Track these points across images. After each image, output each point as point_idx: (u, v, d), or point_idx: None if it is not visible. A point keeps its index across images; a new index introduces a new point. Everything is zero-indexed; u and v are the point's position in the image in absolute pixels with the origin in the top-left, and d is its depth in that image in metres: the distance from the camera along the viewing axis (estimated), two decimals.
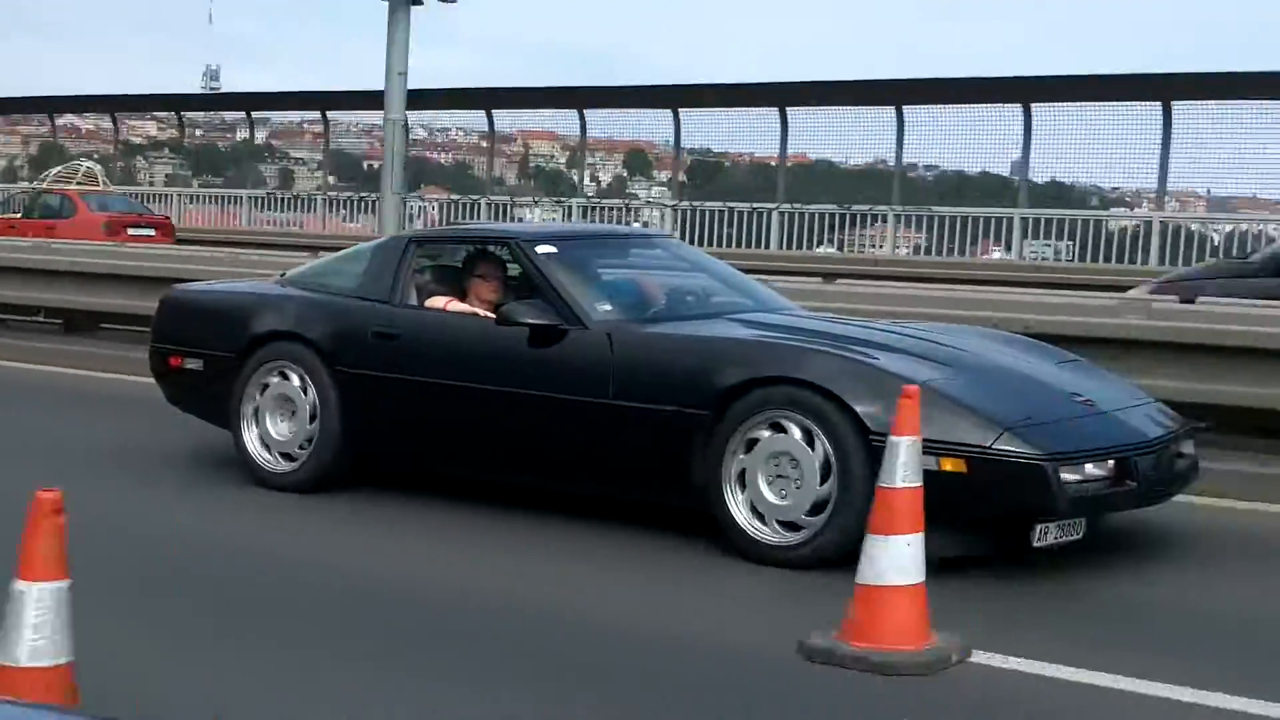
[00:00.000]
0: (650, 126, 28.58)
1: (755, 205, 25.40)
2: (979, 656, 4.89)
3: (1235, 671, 4.81)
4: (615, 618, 5.40)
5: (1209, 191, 24.34)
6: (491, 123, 29.21)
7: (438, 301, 7.35)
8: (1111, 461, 5.98)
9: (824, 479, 5.92)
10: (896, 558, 4.84)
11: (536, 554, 6.27)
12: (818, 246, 25.03)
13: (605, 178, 31.08)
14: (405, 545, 6.44)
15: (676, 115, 26.84)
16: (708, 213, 25.54)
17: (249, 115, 32.79)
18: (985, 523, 5.94)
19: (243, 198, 31.16)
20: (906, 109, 24.53)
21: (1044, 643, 5.05)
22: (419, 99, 29.61)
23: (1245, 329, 7.90)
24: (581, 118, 28.09)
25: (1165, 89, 22.01)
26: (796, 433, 5.99)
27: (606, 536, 6.53)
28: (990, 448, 5.72)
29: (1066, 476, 5.76)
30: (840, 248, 25.21)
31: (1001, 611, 5.51)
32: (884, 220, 25.39)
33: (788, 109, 25.52)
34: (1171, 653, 5.03)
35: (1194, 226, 22.79)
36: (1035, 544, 5.85)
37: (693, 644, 5.06)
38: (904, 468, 4.90)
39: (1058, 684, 4.72)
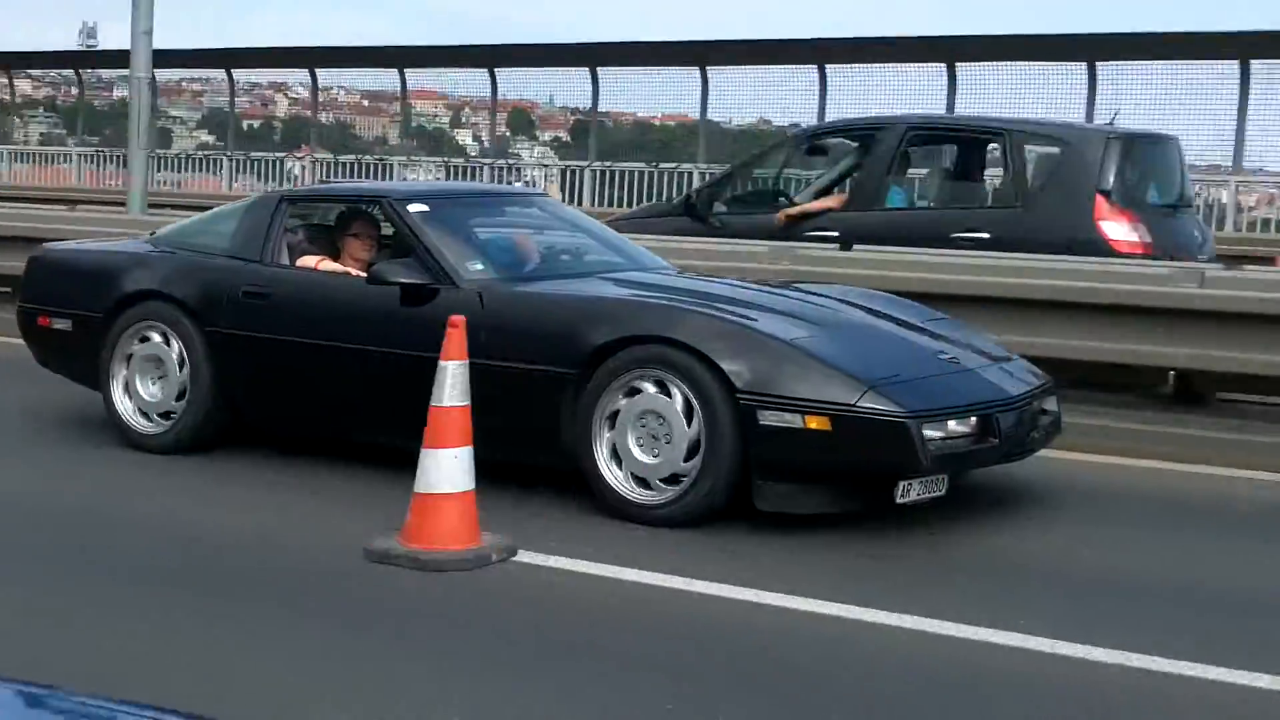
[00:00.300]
0: (466, 83, 28.37)
1: (569, 163, 25.54)
2: (526, 556, 5.59)
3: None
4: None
5: None
6: (315, 81, 28.84)
7: (309, 260, 7.31)
8: (974, 418, 6.09)
9: (692, 438, 5.97)
10: (446, 469, 5.52)
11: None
12: None
13: (487, 137, 30.86)
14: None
15: (493, 74, 26.69)
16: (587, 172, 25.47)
17: (78, 74, 32.00)
18: (850, 479, 6.03)
19: (73, 155, 30.56)
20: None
21: (605, 548, 5.69)
22: (280, 56, 29.23)
23: (1089, 285, 8.11)
24: (402, 76, 27.84)
25: (951, 51, 22.26)
26: (665, 391, 6.04)
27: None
28: (854, 405, 5.80)
29: (929, 434, 5.86)
30: None
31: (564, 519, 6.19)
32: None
33: (598, 69, 25.49)
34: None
35: None
36: (899, 500, 5.94)
37: (282, 551, 5.73)
38: (451, 389, 5.59)
39: (601, 580, 5.39)
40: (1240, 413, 8.20)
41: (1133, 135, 10.46)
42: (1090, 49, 20.67)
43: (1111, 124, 11.21)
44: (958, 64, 21.70)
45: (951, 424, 6.01)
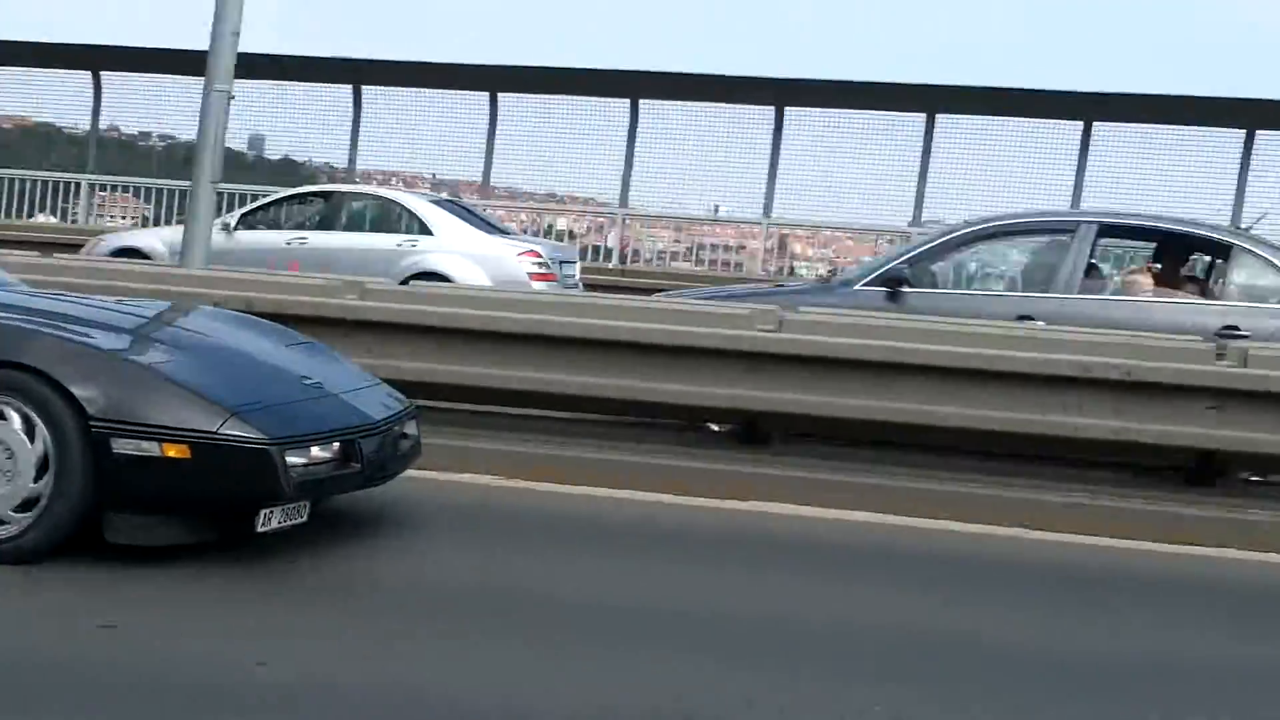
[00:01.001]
0: None
1: None
2: None
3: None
4: None
5: (434, 176, 25.44)
6: None
7: None
8: (337, 444, 6.04)
9: (41, 469, 5.62)
10: None
11: None
12: (37, 214, 23.94)
13: None
14: None
15: None
16: None
17: None
18: (210, 509, 5.85)
19: None
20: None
21: None
22: None
23: (445, 310, 8.38)
24: None
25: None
26: (14, 420, 5.66)
27: None
28: (215, 433, 5.63)
29: (292, 460, 5.76)
30: (63, 216, 24.24)
31: None
32: (113, 190, 24.75)
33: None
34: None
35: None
36: (260, 529, 5.82)
37: None
38: None
39: None
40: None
41: None
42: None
43: None
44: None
45: (315, 450, 5.94)
